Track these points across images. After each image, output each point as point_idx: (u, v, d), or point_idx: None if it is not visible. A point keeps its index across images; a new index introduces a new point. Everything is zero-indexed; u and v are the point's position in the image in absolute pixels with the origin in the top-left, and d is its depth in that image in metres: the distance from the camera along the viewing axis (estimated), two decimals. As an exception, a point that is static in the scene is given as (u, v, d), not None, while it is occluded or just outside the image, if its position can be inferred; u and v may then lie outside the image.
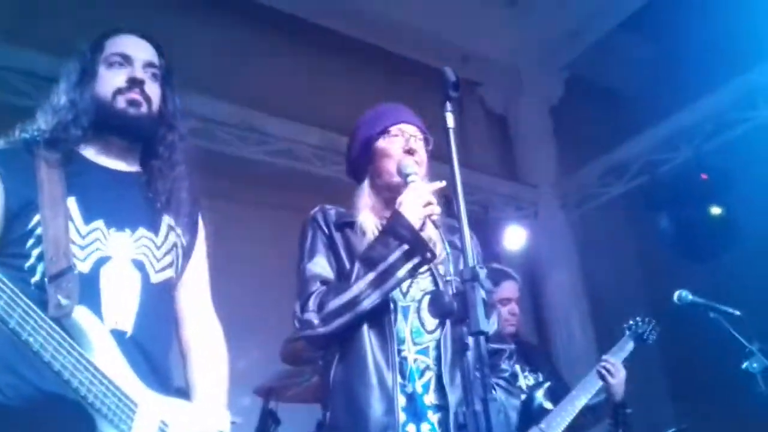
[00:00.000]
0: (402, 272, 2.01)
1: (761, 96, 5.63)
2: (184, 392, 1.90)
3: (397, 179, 2.18)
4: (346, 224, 2.23)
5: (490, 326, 2.14)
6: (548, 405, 3.13)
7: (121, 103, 1.85)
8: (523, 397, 3.18)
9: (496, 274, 3.43)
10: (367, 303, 1.99)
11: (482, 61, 7.16)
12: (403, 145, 2.22)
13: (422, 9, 6.27)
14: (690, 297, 3.24)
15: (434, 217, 2.01)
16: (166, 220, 1.89)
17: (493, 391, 1.98)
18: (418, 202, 2.03)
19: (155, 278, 1.82)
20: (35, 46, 4.54)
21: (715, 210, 5.82)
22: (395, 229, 2.04)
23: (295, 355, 3.59)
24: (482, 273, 1.38)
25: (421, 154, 2.23)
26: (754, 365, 3.06)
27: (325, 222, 2.24)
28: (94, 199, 1.78)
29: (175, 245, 1.90)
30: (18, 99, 4.43)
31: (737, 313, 3.14)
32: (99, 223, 1.76)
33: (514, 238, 6.66)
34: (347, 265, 2.11)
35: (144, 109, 1.87)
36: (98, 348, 1.60)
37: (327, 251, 2.19)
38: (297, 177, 5.80)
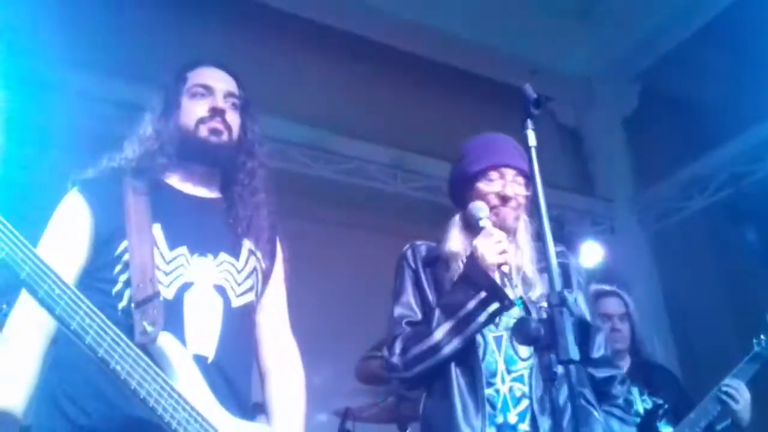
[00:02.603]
0: (481, 318, 2.01)
1: None
2: (261, 408, 1.92)
3: (498, 221, 2.16)
4: (435, 259, 2.24)
5: (596, 351, 2.15)
6: (667, 430, 3.03)
7: (203, 131, 1.90)
8: (638, 421, 3.07)
9: (593, 293, 3.30)
10: (448, 349, 2.02)
11: (552, 75, 7.04)
12: (499, 190, 2.20)
13: (491, 23, 6.22)
14: (789, 318, 3.04)
15: (505, 268, 2.00)
16: (247, 245, 1.92)
17: (596, 416, 1.93)
18: (493, 249, 2.01)
19: (236, 302, 1.84)
20: (114, 71, 4.71)
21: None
22: (471, 275, 2.04)
23: (370, 374, 3.59)
24: (571, 297, 1.33)
25: (519, 200, 2.21)
26: None
27: (414, 259, 2.27)
28: (177, 225, 1.82)
29: (255, 270, 1.92)
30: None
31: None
32: (183, 249, 1.79)
33: (591, 254, 6.50)
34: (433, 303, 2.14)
35: (225, 137, 1.92)
36: (181, 374, 1.62)
37: (414, 289, 2.22)
38: (368, 195, 5.82)
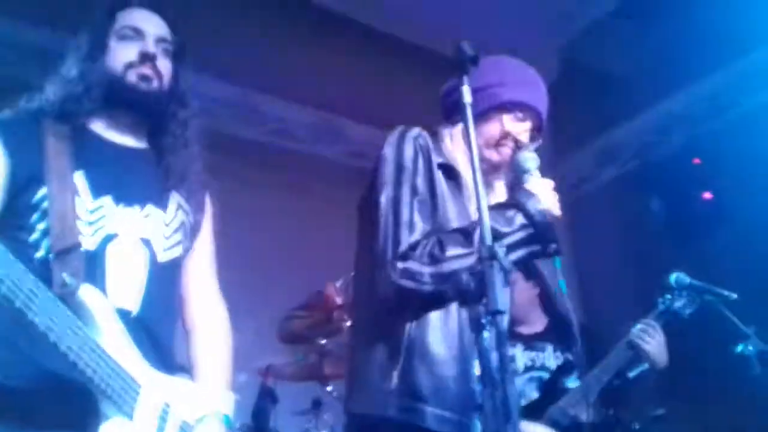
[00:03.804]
0: (515, 256, 1.83)
1: (757, 80, 5.63)
2: (186, 369, 1.87)
3: (495, 156, 2.03)
4: (443, 166, 1.98)
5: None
6: (575, 384, 3.07)
7: (132, 77, 1.81)
8: (547, 376, 3.17)
9: None
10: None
11: (475, 43, 7.10)
12: (519, 132, 2.06)
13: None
14: (688, 280, 3.18)
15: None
16: (176, 198, 1.86)
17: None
18: (553, 197, 1.91)
19: (162, 257, 1.79)
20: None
21: (707, 194, 5.83)
22: (526, 207, 1.87)
23: (292, 334, 3.60)
24: (501, 252, 1.35)
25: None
26: (750, 348, 3.06)
27: (428, 153, 1.97)
28: (102, 174, 1.74)
29: (183, 224, 1.87)
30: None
31: (734, 296, 3.10)
32: (107, 199, 1.72)
33: (507, 219, 6.65)
34: (443, 220, 1.90)
35: (155, 84, 1.84)
36: (104, 328, 1.57)
37: (426, 192, 1.92)
38: (291, 157, 5.76)
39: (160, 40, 1.88)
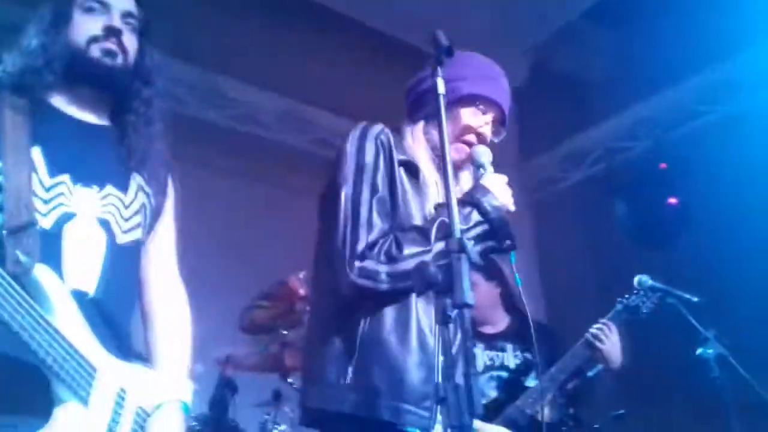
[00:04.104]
0: (475, 249, 1.86)
1: (722, 91, 5.73)
2: (143, 358, 1.82)
3: (455, 155, 2.02)
4: (405, 164, 1.98)
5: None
6: (534, 383, 3.09)
7: (95, 51, 1.75)
8: (507, 376, 3.18)
9: None
10: (432, 269, 1.69)
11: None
12: (481, 125, 2.07)
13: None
14: (650, 282, 3.23)
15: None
16: (137, 179, 1.81)
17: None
18: (507, 192, 1.94)
19: (121, 239, 1.74)
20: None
21: (672, 199, 5.92)
22: (481, 204, 1.90)
23: (253, 324, 3.55)
24: (470, 244, 1.34)
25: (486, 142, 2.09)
26: (709, 351, 3.11)
27: (390, 151, 1.97)
28: (60, 150, 1.68)
29: (144, 206, 1.82)
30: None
31: (695, 299, 3.16)
32: (64, 177, 1.66)
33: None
34: (403, 218, 1.91)
35: (120, 60, 1.77)
36: (58, 309, 1.52)
37: (386, 190, 1.93)
38: (256, 143, 5.70)
39: (126, 15, 1.82)
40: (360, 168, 1.94)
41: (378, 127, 2.01)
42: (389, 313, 1.87)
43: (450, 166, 1.46)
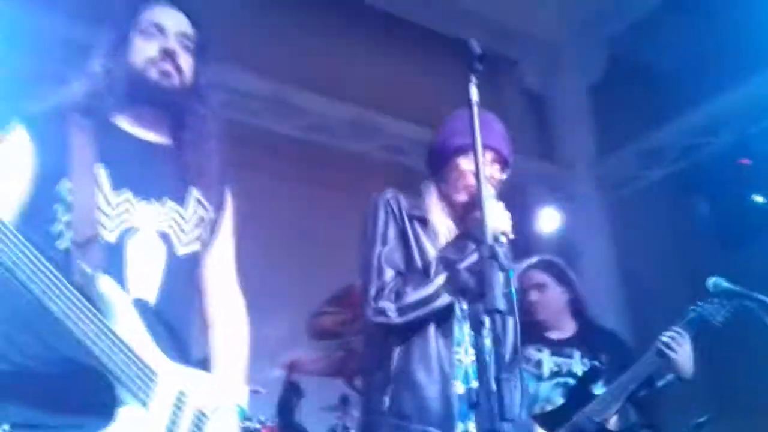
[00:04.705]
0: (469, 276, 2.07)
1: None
2: (203, 365, 1.90)
3: (463, 198, 2.30)
4: (418, 218, 2.31)
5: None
6: (600, 391, 3.05)
7: (152, 73, 1.85)
8: (574, 383, 3.14)
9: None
10: (439, 302, 2.11)
11: (519, 38, 7.02)
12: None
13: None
14: (724, 284, 3.08)
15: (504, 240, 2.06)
16: (195, 193, 1.90)
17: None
18: (504, 216, 2.10)
19: (180, 251, 1.83)
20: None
21: (757, 197, 5.66)
22: (476, 235, 2.03)
23: (320, 330, 3.62)
24: (501, 251, 1.36)
25: (493, 182, 2.32)
26: (788, 356, 2.96)
27: (399, 210, 2.32)
28: (123, 168, 1.78)
29: (202, 219, 1.91)
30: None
31: (778, 302, 3.00)
32: (127, 194, 1.77)
33: (549, 220, 6.57)
34: (417, 261, 2.22)
35: (176, 80, 1.87)
36: (121, 317, 1.61)
37: (398, 242, 2.27)
38: (326, 152, 5.80)
39: (181, 36, 1.91)
40: (374, 232, 2.30)
41: (388, 195, 2.36)
42: (415, 349, 2.18)
43: (483, 174, 1.49)
